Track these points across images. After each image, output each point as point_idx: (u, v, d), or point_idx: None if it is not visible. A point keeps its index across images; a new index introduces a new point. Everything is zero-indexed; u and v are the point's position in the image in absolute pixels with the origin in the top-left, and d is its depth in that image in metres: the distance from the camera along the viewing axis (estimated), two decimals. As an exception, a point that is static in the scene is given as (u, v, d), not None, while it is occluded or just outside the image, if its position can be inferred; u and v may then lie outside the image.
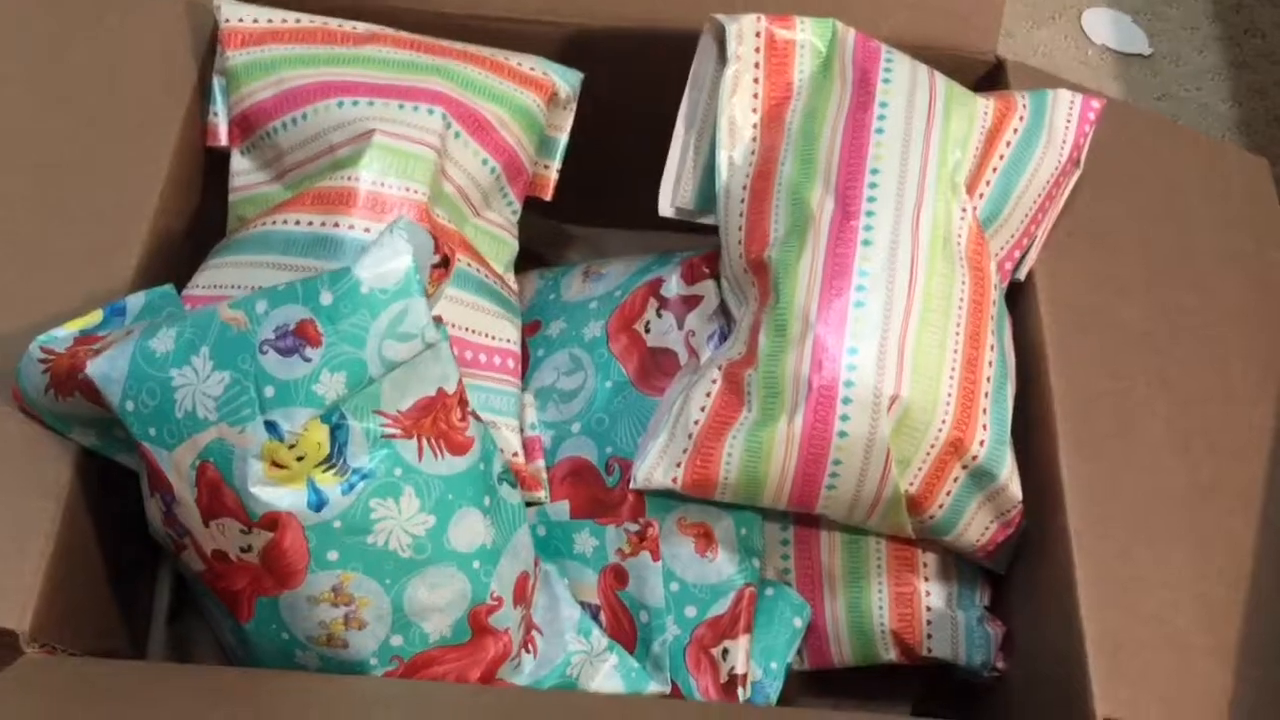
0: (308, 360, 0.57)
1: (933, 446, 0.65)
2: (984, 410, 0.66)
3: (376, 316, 0.57)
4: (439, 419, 0.61)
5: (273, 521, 0.58)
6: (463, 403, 0.63)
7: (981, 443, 0.66)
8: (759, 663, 0.71)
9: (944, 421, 0.65)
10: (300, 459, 0.58)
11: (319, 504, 0.58)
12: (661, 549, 0.70)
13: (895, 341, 0.64)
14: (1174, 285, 0.77)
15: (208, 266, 0.74)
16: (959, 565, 0.74)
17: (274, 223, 0.72)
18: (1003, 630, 0.73)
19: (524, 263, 0.84)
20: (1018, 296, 0.75)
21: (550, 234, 1.02)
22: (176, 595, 0.76)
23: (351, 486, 0.59)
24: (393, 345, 0.58)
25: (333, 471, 0.59)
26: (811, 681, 0.81)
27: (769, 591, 0.73)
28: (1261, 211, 0.83)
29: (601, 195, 0.97)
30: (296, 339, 0.57)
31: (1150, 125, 0.88)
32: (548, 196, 0.84)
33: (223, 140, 0.78)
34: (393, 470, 0.60)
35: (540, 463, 0.74)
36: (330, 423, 0.58)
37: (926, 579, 0.74)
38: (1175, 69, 1.19)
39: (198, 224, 0.80)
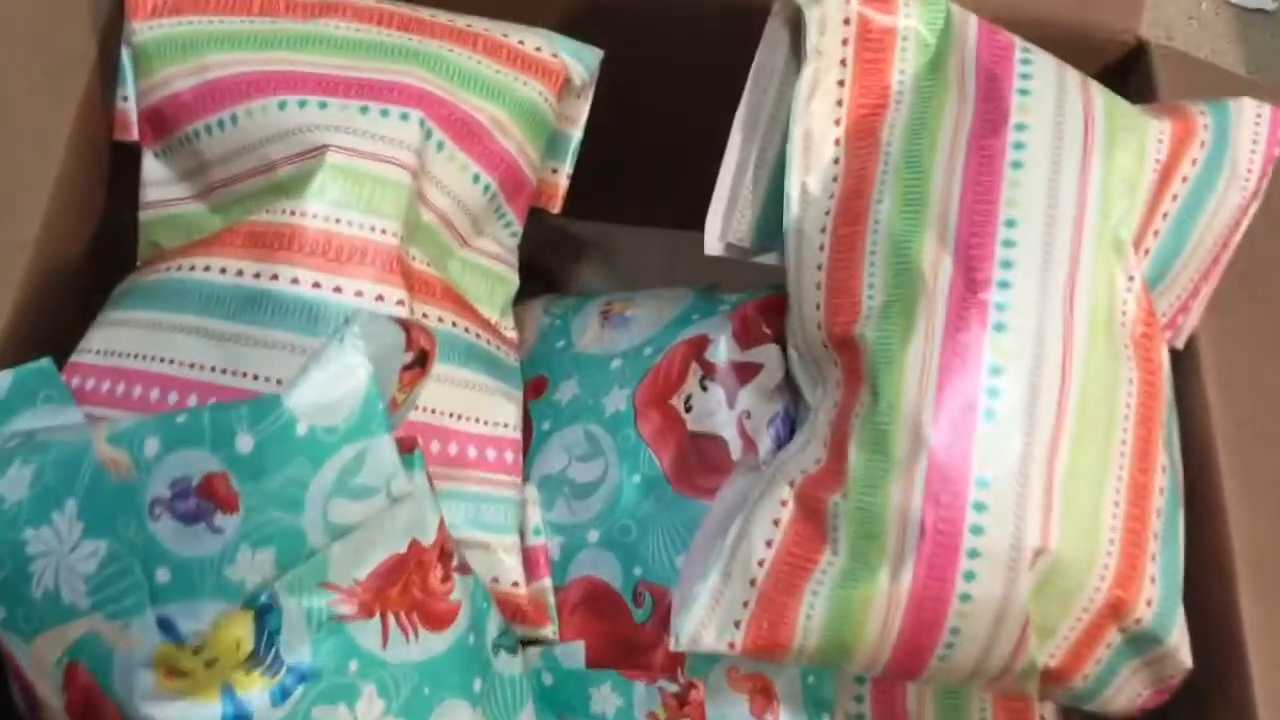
0: (218, 532, 0.39)
1: (1085, 611, 0.48)
2: (1152, 557, 0.49)
3: (320, 468, 0.39)
4: (412, 585, 0.44)
5: (174, 746, 0.41)
6: (444, 556, 0.45)
7: (1149, 602, 0.49)
8: None
9: (1103, 579, 0.48)
10: (210, 664, 0.40)
11: (239, 719, 0.41)
12: (707, 713, 0.53)
13: (1041, 469, 0.47)
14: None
15: (105, 321, 0.56)
16: (1084, 717, 0.58)
17: (194, 267, 0.54)
18: (1136, 798, 0.57)
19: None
20: (1175, 372, 0.57)
21: (550, 235, 0.84)
22: None
23: (286, 692, 0.42)
24: (344, 505, 0.40)
25: (259, 671, 0.41)
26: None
27: (839, 748, 0.57)
28: None
29: (613, 187, 0.78)
30: (201, 502, 0.39)
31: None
32: (556, 209, 0.65)
33: (134, 133, 0.60)
34: (346, 665, 0.42)
35: (547, 582, 0.57)
36: (255, 605, 0.41)
37: (1044, 735, 0.57)
38: (1303, 29, 1.00)
39: (98, 247, 0.61)
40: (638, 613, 0.55)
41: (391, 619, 0.43)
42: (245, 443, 0.39)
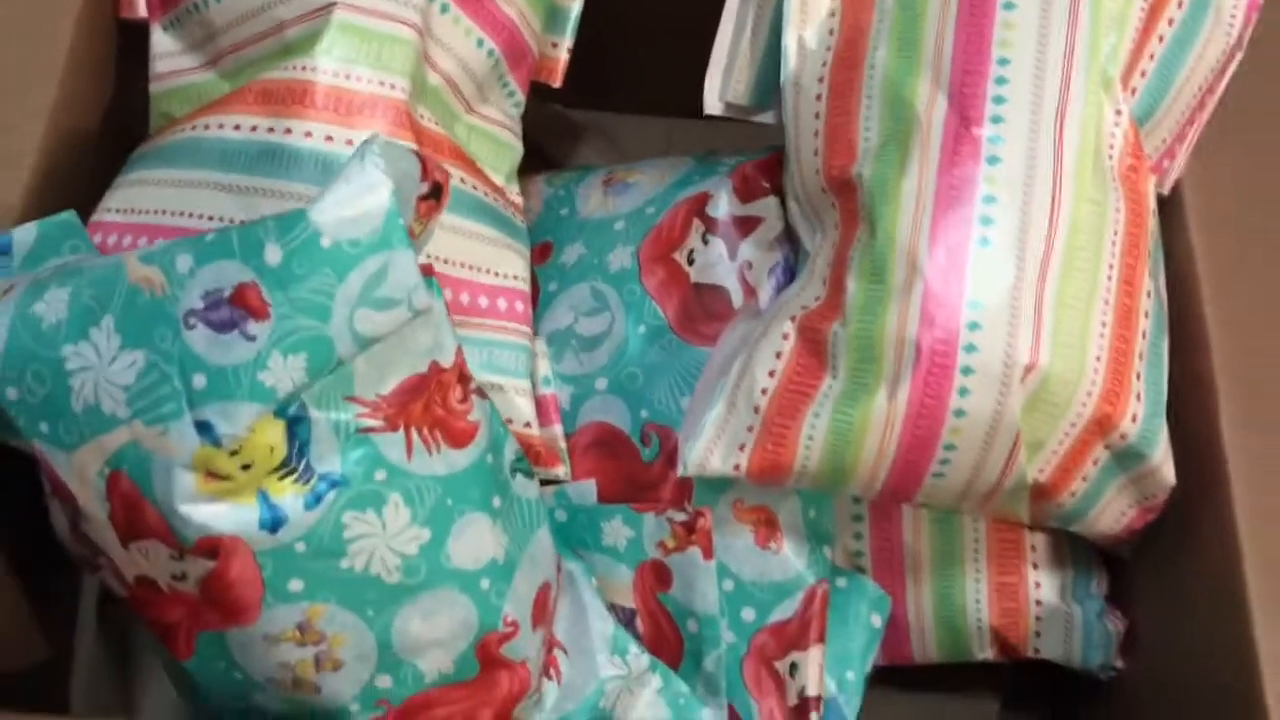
0: (251, 339, 0.41)
1: (1073, 426, 0.50)
2: (1137, 376, 0.52)
3: (345, 278, 0.42)
4: (433, 403, 0.46)
5: (212, 548, 0.43)
6: (463, 378, 0.47)
7: (1134, 418, 0.51)
8: (832, 674, 0.58)
9: (1089, 394, 0.50)
10: (246, 467, 0.42)
11: (274, 522, 0.44)
12: (714, 541, 0.56)
13: (1032, 291, 0.49)
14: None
15: (123, 182, 0.58)
16: (1073, 547, 0.61)
17: (208, 126, 0.56)
18: (1126, 625, 0.59)
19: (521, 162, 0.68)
20: (1161, 216, 0.59)
21: (550, 121, 0.85)
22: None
23: (318, 498, 0.44)
24: (369, 315, 0.42)
25: (292, 478, 0.44)
26: (877, 675, 0.67)
27: (841, 582, 0.59)
28: None
29: (612, 75, 0.80)
30: (235, 310, 0.41)
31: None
32: (557, 83, 0.67)
33: (140, 10, 0.61)
34: (373, 474, 0.45)
35: (558, 428, 0.59)
36: (286, 416, 0.43)
37: (1035, 565, 0.60)
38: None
39: (110, 120, 0.63)
40: (645, 452, 0.58)
41: (415, 433, 0.46)
42: (273, 254, 0.41)
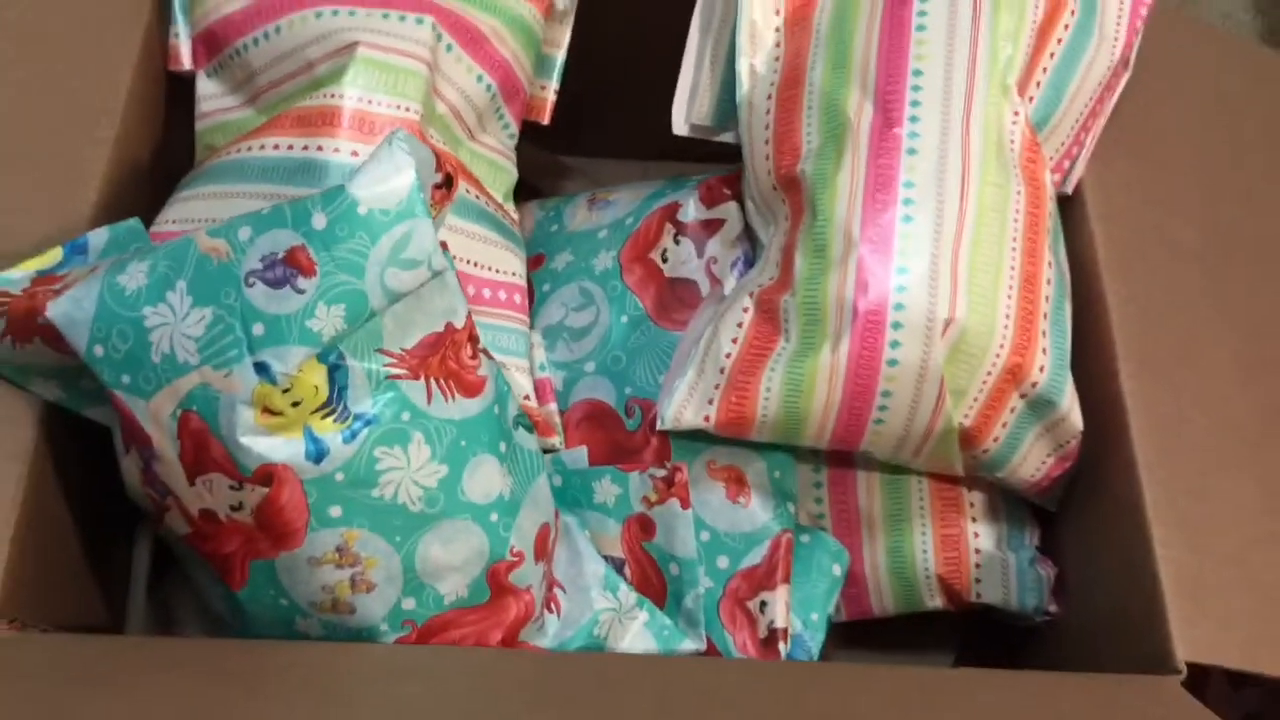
0: (300, 292, 0.50)
1: (989, 374, 0.59)
2: (1043, 333, 0.61)
3: (377, 241, 0.51)
4: (448, 357, 0.55)
5: (267, 476, 0.52)
6: (473, 339, 0.56)
7: (1042, 369, 0.60)
8: (798, 615, 0.65)
9: (1002, 346, 0.59)
10: (296, 404, 0.51)
11: (318, 454, 0.52)
12: (690, 495, 0.64)
13: (948, 259, 0.58)
14: (1227, 201, 0.71)
15: (177, 199, 0.67)
16: (1007, 503, 0.69)
17: (249, 148, 0.65)
18: (1055, 571, 0.68)
19: (516, 194, 0.77)
20: (1065, 211, 0.69)
21: (542, 164, 0.95)
22: (157, 560, 0.69)
23: (354, 434, 0.52)
24: (396, 273, 0.51)
25: (332, 418, 0.52)
26: (844, 633, 0.75)
27: (805, 538, 0.68)
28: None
29: (597, 122, 0.90)
30: (287, 268, 0.50)
31: (1194, 32, 0.81)
32: (545, 120, 0.77)
33: (186, 63, 0.71)
34: (399, 415, 0.53)
35: (553, 406, 0.68)
36: (328, 363, 0.52)
37: (974, 519, 0.68)
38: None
39: (162, 156, 0.72)
40: (629, 422, 0.66)
41: (434, 382, 0.54)
42: (319, 220, 0.50)
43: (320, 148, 0.63)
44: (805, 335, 0.59)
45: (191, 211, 0.65)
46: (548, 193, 0.94)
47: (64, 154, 0.65)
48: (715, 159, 0.74)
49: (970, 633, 0.77)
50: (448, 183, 0.55)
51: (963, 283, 0.58)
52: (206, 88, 0.70)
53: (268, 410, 0.51)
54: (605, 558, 0.65)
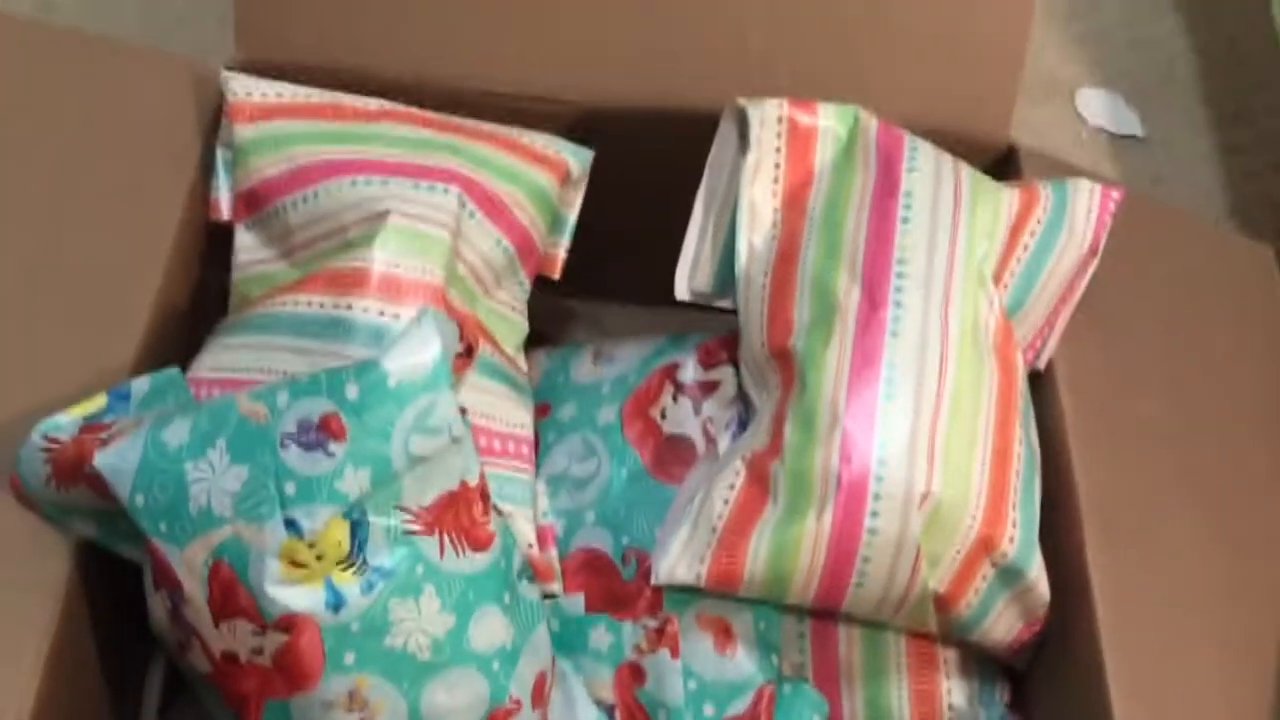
0: (331, 455, 0.55)
1: (963, 544, 0.64)
2: (1013, 506, 0.65)
3: (403, 411, 0.55)
4: (461, 514, 0.59)
5: (289, 624, 0.56)
6: (484, 496, 0.61)
7: (1011, 540, 0.65)
8: (778, 764, 0.69)
9: (974, 518, 0.64)
10: (320, 558, 0.55)
11: (337, 604, 0.56)
12: (681, 645, 0.68)
13: (926, 435, 0.63)
14: (1192, 377, 0.76)
15: (212, 347, 0.72)
16: (980, 661, 0.73)
17: (283, 303, 0.70)
18: (1024, 729, 0.71)
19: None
20: (1037, 387, 0.74)
21: (549, 309, 1.00)
22: (168, 687, 0.73)
23: (371, 586, 0.57)
24: (419, 440, 0.56)
25: (352, 570, 0.56)
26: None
27: (786, 689, 0.71)
28: (1271, 304, 0.83)
29: (603, 270, 0.95)
30: (320, 434, 0.55)
31: (1159, 216, 0.88)
32: (556, 275, 0.82)
33: (225, 215, 0.76)
34: (414, 569, 0.57)
35: (553, 552, 0.72)
36: (351, 519, 0.56)
37: (948, 676, 0.72)
38: (1169, 152, 1.20)
39: (198, 299, 0.77)
40: (625, 571, 0.71)
41: (447, 537, 0.58)
42: (352, 391, 0.55)
43: (350, 306, 0.68)
44: (792, 501, 0.64)
45: (227, 360, 0.70)
46: (553, 336, 1.00)
47: (110, 303, 0.70)
48: (713, 309, 0.79)
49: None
50: (468, 351, 0.60)
51: (939, 458, 0.63)
52: (245, 240, 0.76)
53: (293, 563, 0.55)
54: (597, 702, 0.69)
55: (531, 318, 0.81)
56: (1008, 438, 0.66)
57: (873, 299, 0.66)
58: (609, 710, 0.69)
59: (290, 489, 0.55)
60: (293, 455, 0.55)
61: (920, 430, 0.63)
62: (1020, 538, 0.65)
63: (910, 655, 0.72)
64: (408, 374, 0.55)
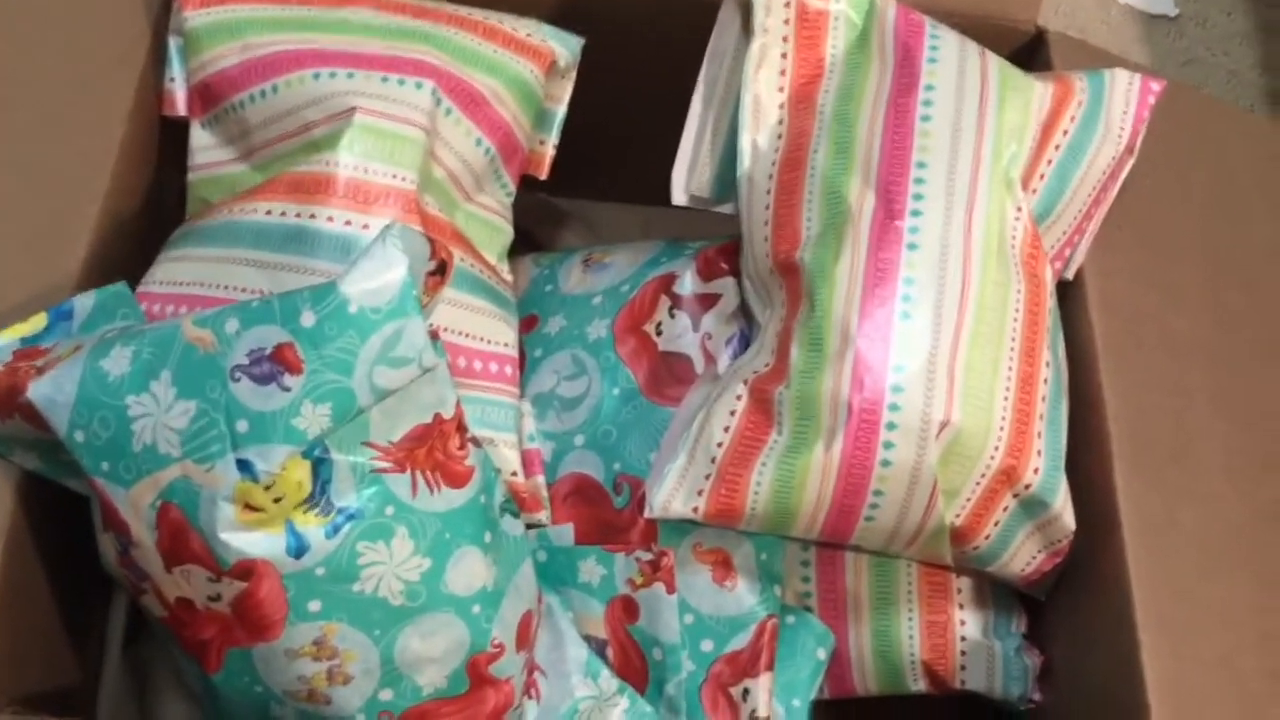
0: (286, 390, 0.49)
1: (983, 476, 0.59)
2: (1038, 434, 0.60)
3: (366, 340, 0.50)
4: (435, 449, 0.54)
5: (246, 570, 0.51)
6: (461, 428, 0.55)
7: (1035, 470, 0.60)
8: (780, 701, 0.65)
9: (996, 449, 0.58)
10: (277, 500, 0.50)
11: (299, 549, 0.51)
12: (676, 579, 0.63)
13: (945, 359, 0.58)
14: (1230, 287, 0.70)
15: (166, 258, 0.66)
16: (995, 590, 0.68)
17: (242, 210, 0.64)
18: (1041, 660, 0.67)
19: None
20: (1065, 298, 0.68)
21: (537, 209, 0.94)
22: (132, 618, 0.68)
23: (336, 529, 0.52)
24: (385, 372, 0.50)
25: (315, 512, 0.51)
26: (824, 709, 0.75)
27: (790, 620, 0.67)
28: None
29: (594, 167, 0.89)
30: (273, 365, 0.49)
31: (1198, 104, 0.81)
32: (543, 175, 0.76)
33: (181, 109, 0.70)
34: (383, 509, 0.52)
35: (540, 478, 0.67)
36: (312, 457, 0.51)
37: (961, 606, 0.68)
38: (1202, 32, 1.12)
39: (152, 203, 0.71)
40: (617, 500, 0.66)
41: (419, 475, 0.53)
42: (308, 318, 0.49)
43: (313, 215, 0.62)
44: (798, 430, 0.59)
45: (179, 273, 0.64)
46: (542, 239, 0.94)
47: (53, 208, 0.64)
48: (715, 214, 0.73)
49: (954, 710, 0.77)
50: (441, 269, 0.54)
51: (959, 384, 0.57)
52: (201, 139, 0.69)
53: (249, 506, 0.50)
54: (587, 638, 0.64)
55: (516, 217, 0.75)
56: (1034, 360, 0.60)
57: (889, 207, 0.60)
58: (600, 646, 0.65)
59: (242, 426, 0.49)
60: (244, 389, 0.49)
61: (939, 353, 0.58)
62: (1045, 467, 0.60)
63: (921, 585, 0.68)
64: (370, 299, 0.50)
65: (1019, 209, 0.61)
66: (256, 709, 0.56)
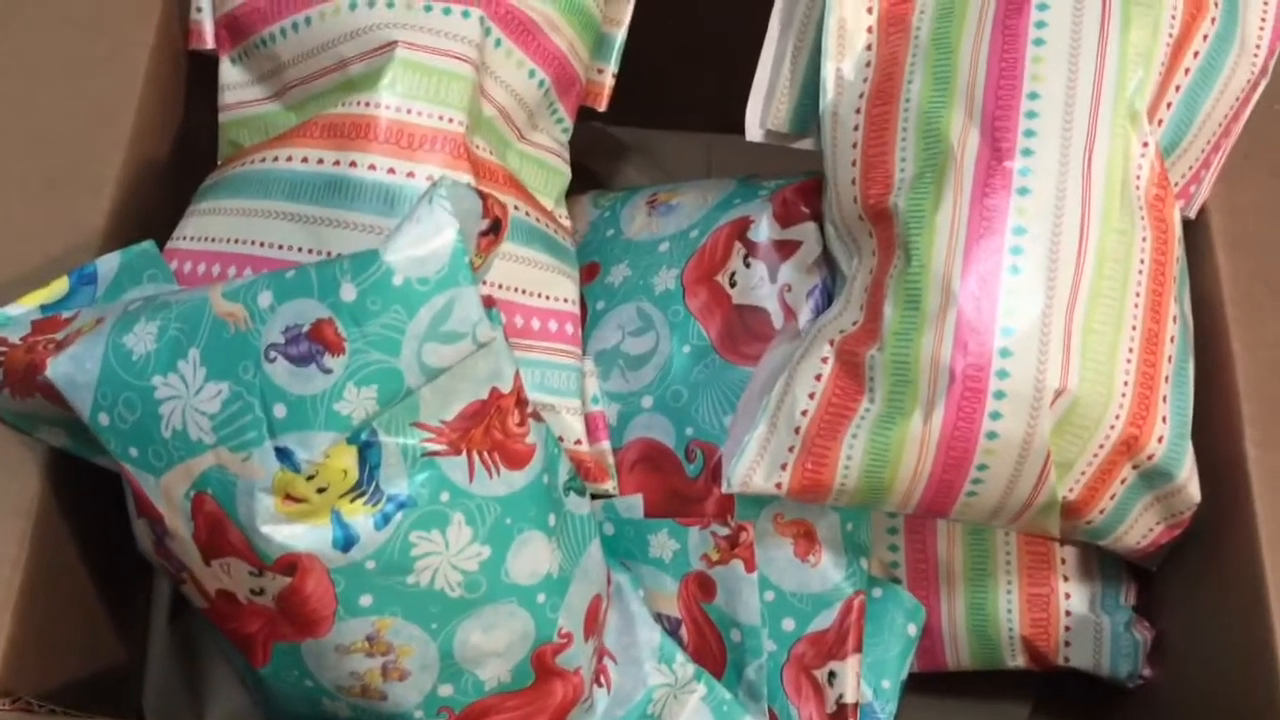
0: (327, 372, 0.44)
1: (1101, 447, 0.53)
2: (1163, 399, 0.54)
3: (414, 314, 0.44)
4: (492, 427, 0.49)
5: (290, 565, 0.46)
6: (521, 403, 0.50)
7: (1160, 439, 0.53)
8: (868, 682, 0.60)
9: (1117, 418, 0.52)
10: (321, 491, 0.45)
11: (347, 542, 0.46)
12: (755, 554, 0.58)
13: (1061, 318, 0.51)
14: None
15: (196, 211, 0.61)
16: (1102, 560, 0.63)
17: (276, 159, 0.59)
18: (1153, 634, 0.62)
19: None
20: (1187, 240, 0.61)
21: (592, 139, 0.87)
22: (177, 592, 0.65)
23: (387, 518, 0.47)
24: (436, 349, 0.45)
25: (363, 500, 0.46)
26: (911, 680, 0.70)
27: (877, 593, 0.62)
28: None
29: (653, 92, 0.82)
30: (312, 344, 0.44)
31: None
32: (602, 107, 0.69)
33: (209, 42, 0.64)
34: (438, 495, 0.48)
35: (605, 445, 0.62)
36: (358, 442, 0.46)
37: (1065, 578, 0.62)
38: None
39: (182, 148, 0.66)
40: (690, 468, 0.60)
41: (476, 457, 0.48)
42: (349, 292, 0.44)
43: (353, 163, 0.56)
44: (893, 398, 0.53)
45: (210, 228, 0.59)
46: (599, 172, 0.87)
47: (74, 155, 0.59)
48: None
49: (1049, 682, 0.72)
50: (495, 228, 0.48)
51: (1076, 346, 0.51)
52: (230, 76, 0.64)
53: (290, 497, 0.45)
54: (660, 616, 0.60)
55: (574, 149, 0.69)
56: (1160, 316, 0.53)
57: (995, 146, 0.53)
58: (673, 625, 0.60)
59: (280, 411, 0.44)
60: (280, 370, 0.44)
61: (1054, 312, 0.51)
62: (1170, 436, 0.54)
63: (1021, 554, 0.62)
64: (416, 268, 0.44)
65: (1145, 144, 0.54)
66: (308, 702, 0.52)
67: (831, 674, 0.58)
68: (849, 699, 0.58)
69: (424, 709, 0.51)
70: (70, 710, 0.51)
